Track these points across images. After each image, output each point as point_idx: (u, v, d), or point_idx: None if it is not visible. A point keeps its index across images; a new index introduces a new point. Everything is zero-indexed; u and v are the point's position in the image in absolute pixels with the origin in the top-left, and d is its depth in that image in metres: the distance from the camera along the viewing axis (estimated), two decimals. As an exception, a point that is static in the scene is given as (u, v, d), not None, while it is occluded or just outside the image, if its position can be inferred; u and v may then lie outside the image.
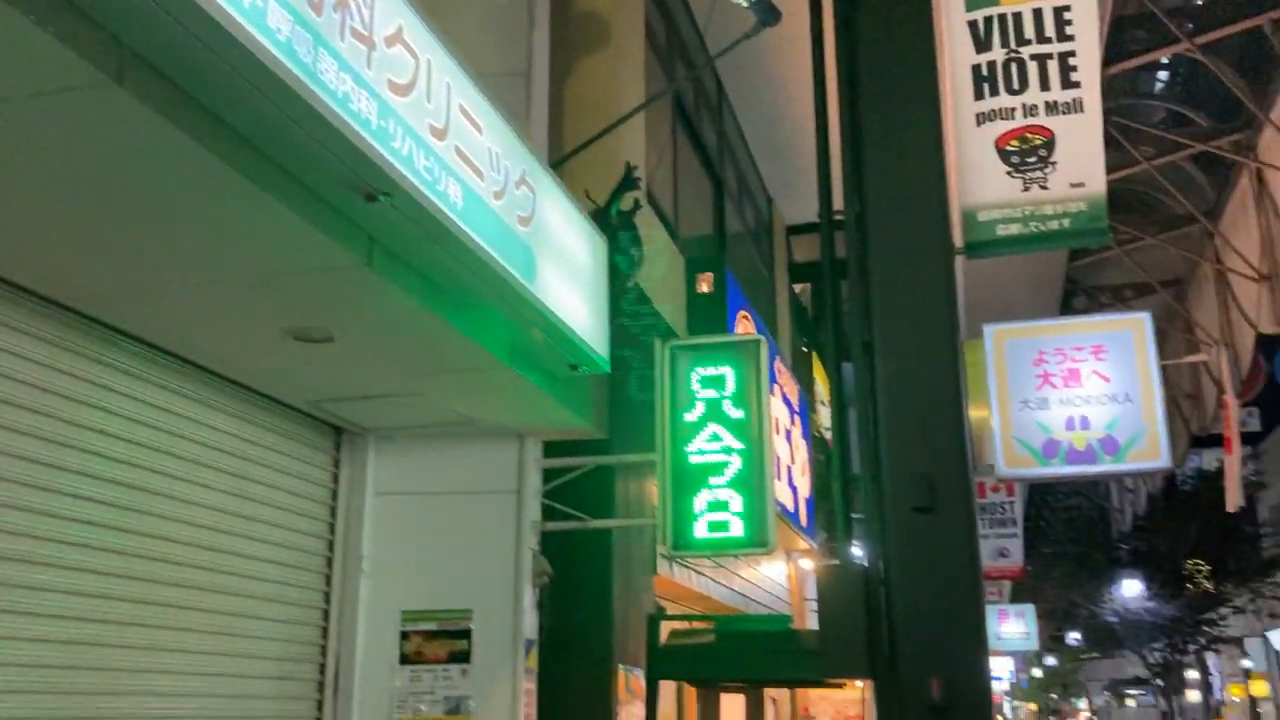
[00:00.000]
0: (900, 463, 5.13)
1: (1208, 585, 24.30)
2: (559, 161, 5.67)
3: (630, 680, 5.91)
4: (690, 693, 7.06)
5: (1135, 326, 5.32)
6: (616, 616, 5.77)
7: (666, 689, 6.56)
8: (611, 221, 5.22)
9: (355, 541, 5.35)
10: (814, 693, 9.86)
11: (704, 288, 7.99)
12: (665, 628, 6.01)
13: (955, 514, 5.04)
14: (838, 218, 5.79)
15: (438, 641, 5.27)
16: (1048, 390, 5.30)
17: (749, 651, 5.84)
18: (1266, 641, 45.29)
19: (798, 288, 13.16)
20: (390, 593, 5.33)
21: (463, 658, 5.23)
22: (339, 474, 5.40)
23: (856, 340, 5.51)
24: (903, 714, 4.86)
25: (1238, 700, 52.92)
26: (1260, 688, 48.97)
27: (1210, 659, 50.76)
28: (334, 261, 3.45)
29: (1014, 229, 5.76)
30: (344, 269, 3.50)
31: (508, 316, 4.21)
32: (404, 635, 5.28)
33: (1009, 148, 6.02)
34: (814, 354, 13.04)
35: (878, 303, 5.42)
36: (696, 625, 6.69)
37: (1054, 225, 5.68)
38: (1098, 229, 5.62)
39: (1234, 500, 9.83)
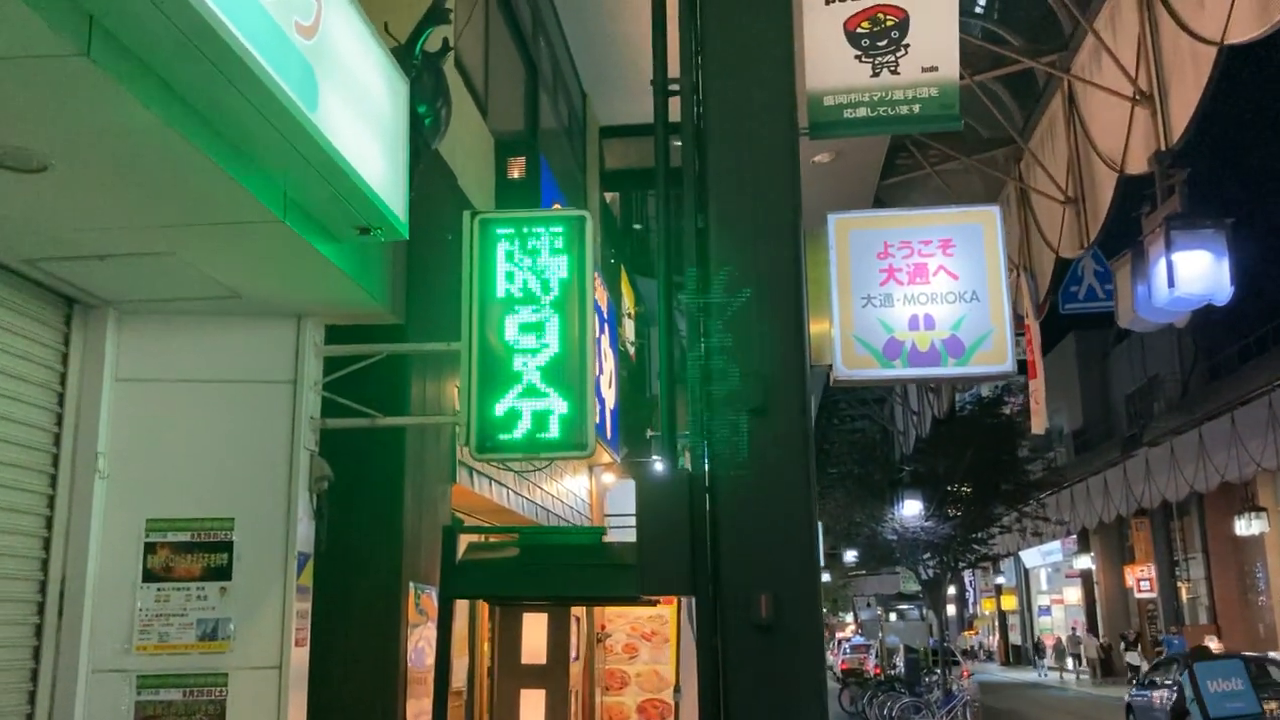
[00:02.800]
0: (735, 362, 4.65)
1: (980, 506, 25.62)
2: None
3: (422, 599, 5.26)
4: (486, 612, 6.47)
5: (986, 219, 4.98)
6: (407, 528, 5.07)
7: (463, 609, 5.95)
8: (415, 63, 4.40)
9: (89, 436, 4.43)
10: (610, 609, 9.47)
11: (516, 173, 7.25)
12: (463, 542, 5.36)
13: (790, 416, 4.60)
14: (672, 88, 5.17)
15: (192, 555, 4.45)
16: (892, 286, 4.90)
17: (557, 566, 5.25)
18: (1018, 559, 49.03)
19: (608, 196, 12.55)
20: (134, 498, 4.46)
21: (222, 574, 4.44)
22: (69, 354, 4.44)
23: (690, 232, 4.96)
24: (726, 633, 4.43)
25: (988, 613, 57.44)
26: (1010, 602, 53.29)
27: (965, 575, 54.62)
28: (37, 46, 2.55)
29: (861, 112, 5.31)
30: (53, 58, 2.60)
31: (280, 152, 3.36)
32: (149, 548, 4.43)
33: (859, 30, 5.56)
34: (620, 267, 12.54)
35: (714, 193, 4.86)
36: (497, 539, 6.07)
37: (904, 110, 5.26)
38: (949, 115, 5.23)
39: (1040, 422, 9.95)
